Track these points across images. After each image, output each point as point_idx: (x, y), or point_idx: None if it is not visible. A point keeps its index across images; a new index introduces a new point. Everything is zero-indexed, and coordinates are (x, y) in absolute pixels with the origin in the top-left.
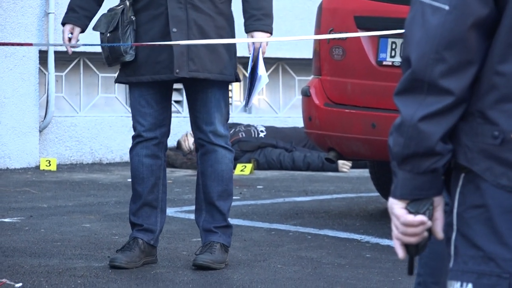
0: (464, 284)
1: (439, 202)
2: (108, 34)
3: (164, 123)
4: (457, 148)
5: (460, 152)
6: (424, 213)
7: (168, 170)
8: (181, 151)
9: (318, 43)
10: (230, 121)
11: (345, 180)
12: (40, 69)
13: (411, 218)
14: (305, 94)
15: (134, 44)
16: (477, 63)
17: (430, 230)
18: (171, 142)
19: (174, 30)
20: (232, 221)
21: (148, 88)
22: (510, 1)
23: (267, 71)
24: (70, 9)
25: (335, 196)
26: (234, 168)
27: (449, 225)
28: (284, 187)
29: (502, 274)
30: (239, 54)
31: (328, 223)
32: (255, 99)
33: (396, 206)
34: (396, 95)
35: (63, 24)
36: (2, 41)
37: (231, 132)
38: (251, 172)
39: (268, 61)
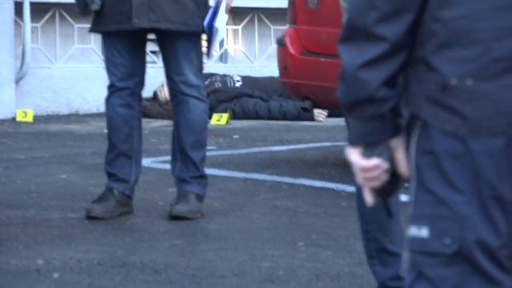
0: (421, 227)
1: (397, 143)
2: None
3: (136, 73)
4: (408, 96)
5: (410, 100)
6: (379, 155)
7: (144, 120)
8: (157, 102)
9: None
10: (206, 71)
11: (321, 129)
12: (15, 20)
13: (365, 162)
14: (280, 43)
15: None
16: (412, 10)
17: (395, 172)
18: (148, 92)
19: None
20: (208, 171)
21: (119, 38)
22: None
23: (243, 20)
24: None
25: (311, 145)
26: (210, 118)
27: (411, 173)
28: (260, 136)
29: (454, 216)
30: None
31: (304, 172)
32: (230, 49)
33: (352, 153)
34: (338, 43)
35: None
36: None
37: (207, 82)
38: (227, 122)
39: (244, 11)
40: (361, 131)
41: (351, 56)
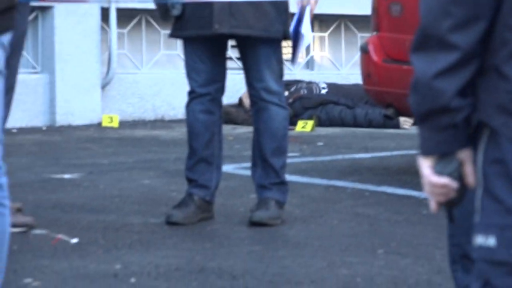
0: (488, 237)
1: (467, 156)
2: None
3: (217, 79)
4: (477, 104)
5: (480, 108)
6: (450, 174)
7: (229, 127)
8: (242, 108)
9: None
10: (292, 78)
11: (406, 137)
12: (102, 26)
13: (435, 179)
14: (364, 50)
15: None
16: (485, 18)
17: (462, 185)
18: (233, 99)
19: None
20: (290, 177)
21: (200, 43)
22: None
23: (329, 27)
24: None
25: (395, 152)
26: (295, 124)
27: (476, 181)
28: (345, 143)
29: None
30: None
31: (387, 179)
32: (317, 56)
33: (423, 165)
34: (411, 52)
35: None
36: None
37: (293, 89)
38: (312, 129)
39: (331, 18)
40: (434, 141)
41: (424, 65)
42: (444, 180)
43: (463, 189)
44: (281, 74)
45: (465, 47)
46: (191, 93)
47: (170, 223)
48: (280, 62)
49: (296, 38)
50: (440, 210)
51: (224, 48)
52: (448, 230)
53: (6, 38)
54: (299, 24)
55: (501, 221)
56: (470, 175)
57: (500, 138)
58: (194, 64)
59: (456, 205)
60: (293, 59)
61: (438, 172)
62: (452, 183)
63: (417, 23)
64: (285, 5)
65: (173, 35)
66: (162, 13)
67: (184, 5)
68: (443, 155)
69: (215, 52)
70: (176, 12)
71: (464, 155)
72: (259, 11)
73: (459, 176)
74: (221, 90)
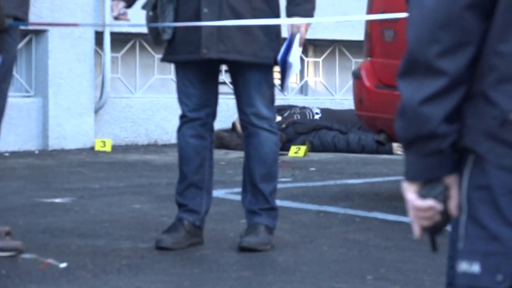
0: (472, 263)
1: (452, 181)
2: (150, 13)
3: (208, 104)
4: (463, 129)
5: (465, 134)
6: (435, 197)
7: (222, 151)
8: (235, 133)
9: (369, 25)
10: (286, 103)
11: (399, 163)
12: (96, 50)
13: (420, 203)
14: (356, 76)
15: (171, 25)
16: (473, 44)
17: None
18: (227, 123)
19: (205, 10)
20: (281, 203)
21: (191, 68)
22: None
23: (324, 53)
24: None
25: (387, 178)
26: (288, 150)
27: (459, 207)
28: (337, 169)
29: (507, 253)
30: None
31: (378, 205)
32: (311, 81)
33: (409, 190)
34: (398, 77)
35: None
36: (51, 22)
37: (286, 114)
38: (305, 154)
39: (325, 43)
40: (420, 167)
41: (411, 91)
42: (429, 202)
43: (448, 214)
44: (272, 100)
45: (453, 73)
46: (182, 117)
47: (159, 248)
48: (271, 87)
49: (283, 67)
50: (423, 236)
51: (215, 73)
52: (449, 251)
53: None
54: (287, 53)
55: (485, 247)
56: (454, 199)
57: (486, 164)
58: (185, 88)
59: (439, 231)
60: (282, 87)
61: (423, 195)
62: (437, 205)
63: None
64: (277, 31)
65: (164, 59)
66: (153, 37)
67: (175, 29)
68: (428, 181)
69: (206, 76)
70: (166, 36)
71: (450, 180)
72: (249, 36)
73: (444, 199)
74: (212, 115)
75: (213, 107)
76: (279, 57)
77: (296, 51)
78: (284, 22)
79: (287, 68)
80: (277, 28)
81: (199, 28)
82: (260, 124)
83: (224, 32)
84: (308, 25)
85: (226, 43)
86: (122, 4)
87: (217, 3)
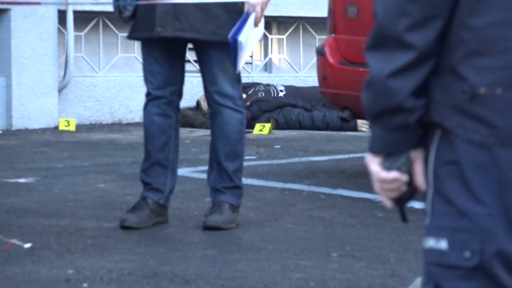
0: (439, 240)
1: (416, 155)
2: None
3: (173, 82)
4: (430, 104)
5: (433, 108)
6: (399, 169)
7: (187, 130)
8: (200, 111)
9: (332, 1)
10: (250, 80)
11: (363, 140)
12: (59, 28)
13: (384, 175)
14: (320, 52)
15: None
16: (442, 18)
17: (411, 182)
18: (191, 102)
19: None
20: (246, 181)
21: (155, 46)
22: None
23: (287, 30)
24: None
25: (352, 155)
26: (253, 127)
27: (427, 182)
28: (302, 146)
29: (474, 229)
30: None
31: (343, 182)
32: (275, 58)
33: (372, 162)
34: (366, 50)
35: None
36: (13, 0)
37: (250, 92)
38: (269, 132)
39: (289, 20)
40: (384, 141)
41: (379, 64)
42: (393, 174)
43: (413, 186)
44: (237, 78)
45: (421, 46)
46: (147, 95)
47: (124, 227)
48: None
49: (234, 46)
50: (395, 208)
51: (180, 51)
52: None
53: None
54: (238, 31)
55: (452, 223)
56: (419, 173)
57: (454, 139)
58: (149, 66)
59: (406, 202)
60: (234, 67)
61: (387, 167)
62: (402, 177)
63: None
64: (239, 9)
65: (128, 36)
66: (117, 15)
67: (136, 7)
68: (392, 154)
69: (171, 54)
70: (127, 13)
71: (414, 154)
72: (207, 14)
73: (408, 170)
74: (177, 93)
75: (178, 85)
76: (229, 35)
77: (250, 31)
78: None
79: (238, 47)
80: (239, 6)
81: (154, 6)
82: (224, 102)
83: (180, 10)
84: (265, 4)
85: (182, 21)
86: None
87: None
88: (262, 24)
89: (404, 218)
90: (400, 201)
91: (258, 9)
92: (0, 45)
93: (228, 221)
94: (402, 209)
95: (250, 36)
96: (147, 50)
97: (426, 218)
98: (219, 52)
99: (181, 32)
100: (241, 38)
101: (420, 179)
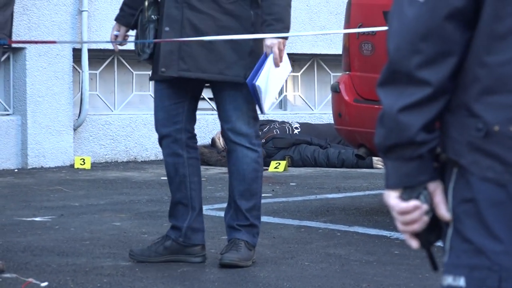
0: (457, 277)
1: (435, 187)
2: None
3: (177, 120)
4: (446, 141)
5: (448, 145)
6: (417, 198)
7: (202, 167)
8: (215, 148)
9: (347, 38)
10: (265, 118)
11: (379, 177)
12: (74, 67)
13: (404, 204)
14: (335, 90)
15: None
16: (456, 54)
17: (435, 218)
18: (206, 139)
19: (167, 29)
20: (262, 218)
21: (162, 84)
22: None
23: (302, 67)
24: (120, 7)
25: (367, 192)
26: (268, 165)
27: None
28: (317, 184)
29: (492, 266)
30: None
31: (359, 219)
32: (290, 95)
33: (390, 197)
34: (378, 86)
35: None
36: (28, 40)
37: (266, 129)
38: (285, 169)
39: (303, 57)
40: (399, 173)
41: (391, 99)
42: (413, 203)
43: (437, 223)
44: (252, 116)
45: (435, 83)
46: (158, 134)
47: (130, 256)
48: (249, 103)
49: (252, 90)
50: (418, 245)
51: (188, 90)
52: None
53: None
54: (255, 76)
55: (470, 261)
56: (441, 204)
57: (470, 176)
58: (156, 104)
59: (432, 242)
60: (260, 109)
61: (405, 199)
62: (422, 205)
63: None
64: (249, 48)
65: (149, 78)
66: (137, 56)
67: (154, 49)
68: (409, 187)
69: (175, 93)
70: (144, 56)
71: (432, 186)
72: (214, 54)
73: (428, 201)
74: (183, 131)
75: (183, 123)
76: (247, 79)
77: (271, 72)
78: (249, 37)
79: (257, 92)
80: (249, 44)
81: (160, 47)
82: (238, 140)
83: (186, 51)
84: (281, 43)
85: (187, 62)
86: (124, 29)
87: (179, 22)
88: (286, 60)
89: (434, 266)
90: (425, 241)
91: (275, 49)
92: (15, 83)
93: (245, 258)
94: (431, 255)
95: (272, 77)
96: (156, 89)
97: (444, 256)
98: (232, 91)
99: (186, 72)
100: (259, 82)
101: (442, 209)
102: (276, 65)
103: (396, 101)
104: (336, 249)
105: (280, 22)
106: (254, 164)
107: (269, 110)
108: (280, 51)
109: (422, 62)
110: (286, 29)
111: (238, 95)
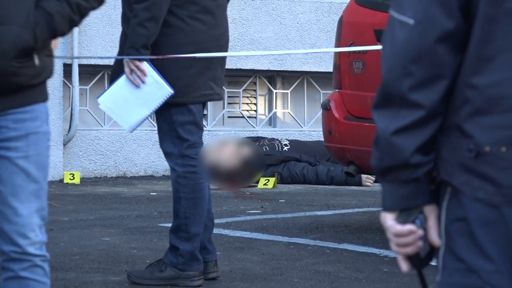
0: None
1: (430, 211)
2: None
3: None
4: (439, 162)
5: (441, 166)
6: (413, 222)
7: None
8: None
9: (338, 56)
10: (254, 134)
11: (368, 194)
12: (64, 82)
13: (399, 228)
14: (325, 107)
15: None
16: (447, 77)
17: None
18: None
19: None
20: (251, 235)
21: None
22: (478, 14)
23: (292, 84)
24: None
25: (356, 210)
26: (257, 182)
27: (440, 239)
28: (306, 201)
29: (484, 286)
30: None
31: (348, 237)
32: (279, 113)
33: (387, 218)
34: (372, 108)
35: None
36: None
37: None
38: (274, 186)
39: (293, 75)
40: (396, 196)
41: (385, 122)
42: (408, 227)
43: (429, 243)
44: (176, 135)
45: (427, 105)
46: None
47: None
48: (171, 123)
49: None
50: (411, 268)
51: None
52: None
53: None
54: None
55: (462, 280)
56: (433, 229)
57: (462, 196)
58: None
59: (424, 264)
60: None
61: (401, 222)
62: (417, 231)
63: (379, 80)
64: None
65: None
66: None
67: None
68: (406, 209)
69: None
70: None
71: (427, 210)
72: None
73: (424, 226)
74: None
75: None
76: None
77: (123, 93)
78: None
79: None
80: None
81: None
82: (167, 160)
83: None
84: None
85: None
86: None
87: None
88: (154, 82)
89: (424, 285)
90: (418, 262)
91: (126, 69)
92: None
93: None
94: (421, 275)
95: (128, 97)
96: None
97: (437, 275)
98: (156, 113)
99: None
100: (101, 99)
101: (433, 234)
102: (136, 84)
103: (389, 123)
104: (326, 266)
105: (128, 42)
106: (174, 184)
107: (258, 127)
108: (133, 71)
109: (414, 85)
110: (131, 48)
111: (158, 116)
